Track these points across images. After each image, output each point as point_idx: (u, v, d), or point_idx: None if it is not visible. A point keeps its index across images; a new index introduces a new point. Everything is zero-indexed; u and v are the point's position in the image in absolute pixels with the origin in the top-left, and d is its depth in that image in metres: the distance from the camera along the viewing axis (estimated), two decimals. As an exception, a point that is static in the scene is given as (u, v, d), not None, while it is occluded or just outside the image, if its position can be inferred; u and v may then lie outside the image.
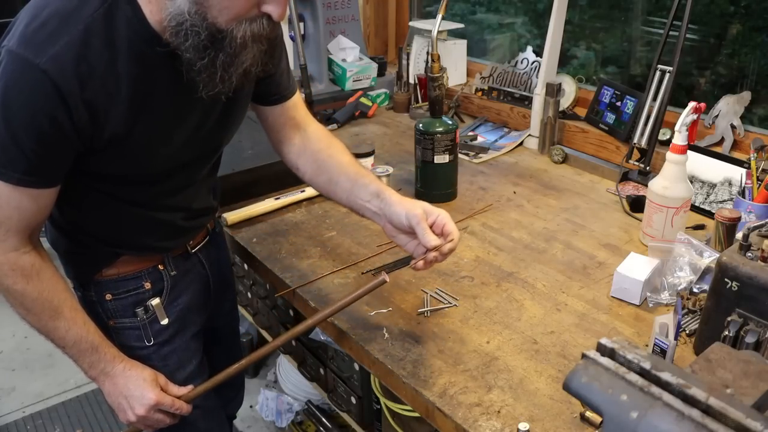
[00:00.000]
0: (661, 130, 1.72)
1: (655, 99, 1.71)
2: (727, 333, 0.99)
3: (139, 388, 1.13)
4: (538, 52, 2.11)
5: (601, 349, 0.61)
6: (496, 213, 1.62)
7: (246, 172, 1.67)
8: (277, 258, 1.43)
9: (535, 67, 2.14)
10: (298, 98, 1.27)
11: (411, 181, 1.76)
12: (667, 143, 1.71)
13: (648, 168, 1.73)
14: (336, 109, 2.27)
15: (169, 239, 1.23)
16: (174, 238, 1.24)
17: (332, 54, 2.40)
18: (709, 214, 1.56)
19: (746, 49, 1.80)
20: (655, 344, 1.03)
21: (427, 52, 2.33)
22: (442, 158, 1.63)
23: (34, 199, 0.98)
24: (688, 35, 1.66)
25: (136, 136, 0.99)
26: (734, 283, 0.99)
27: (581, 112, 2.03)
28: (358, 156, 1.72)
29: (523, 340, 1.15)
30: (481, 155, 1.99)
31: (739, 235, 1.05)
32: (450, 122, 1.63)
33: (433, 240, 1.04)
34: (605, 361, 0.59)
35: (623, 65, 2.17)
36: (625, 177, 1.77)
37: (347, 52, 2.39)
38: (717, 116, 1.70)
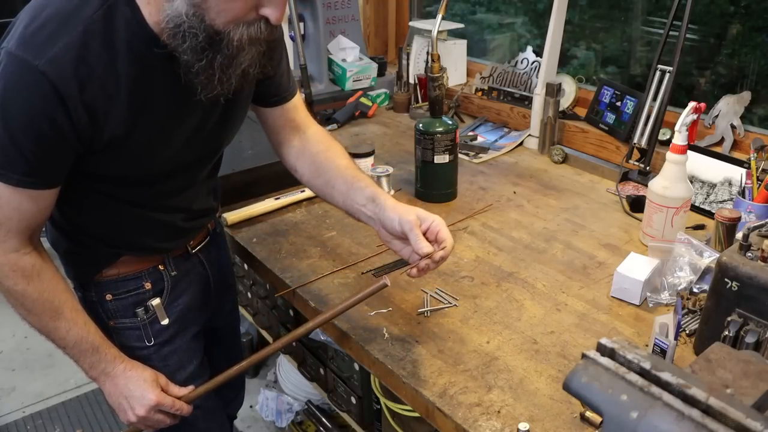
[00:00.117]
0: (661, 130, 1.72)
1: (655, 99, 1.71)
2: (727, 333, 0.99)
3: (139, 388, 1.13)
4: (538, 52, 2.11)
5: (601, 349, 0.61)
6: (496, 213, 1.62)
7: (246, 172, 1.67)
8: (277, 258, 1.43)
9: (535, 67, 2.14)
10: (298, 100, 1.27)
11: (411, 181, 1.77)
12: (667, 143, 1.71)
13: (648, 168, 1.73)
14: (336, 109, 2.27)
15: (170, 240, 1.23)
16: (174, 238, 1.24)
17: (332, 54, 2.40)
18: (709, 214, 1.56)
19: (746, 49, 1.80)
20: (655, 344, 1.03)
21: (427, 52, 2.33)
22: (442, 158, 1.63)
23: (34, 200, 0.98)
24: (688, 35, 1.66)
25: (136, 137, 0.99)
26: (734, 283, 0.99)
27: (581, 112, 2.03)
28: (358, 156, 1.73)
29: (523, 340, 1.15)
30: (481, 155, 1.99)
31: (739, 235, 1.05)
32: (450, 122, 1.63)
33: (425, 247, 1.04)
34: (605, 361, 0.59)
35: (623, 65, 2.17)
36: (625, 177, 1.77)
37: (347, 52, 2.39)
38: (717, 116, 1.70)
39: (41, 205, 1.00)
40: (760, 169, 1.42)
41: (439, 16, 1.60)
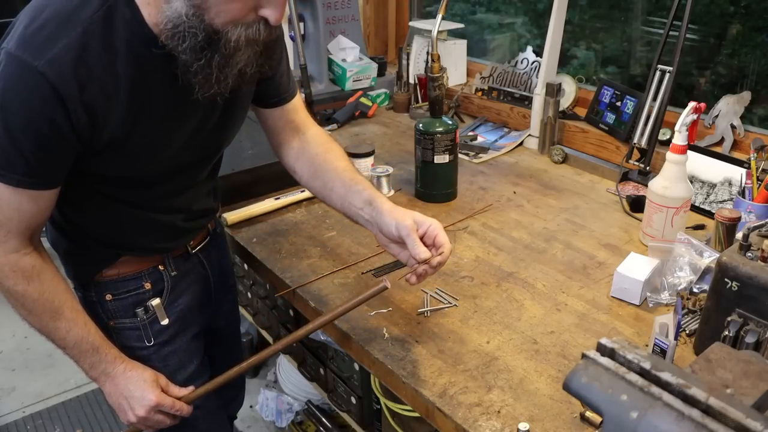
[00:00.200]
0: (661, 130, 1.72)
1: (655, 99, 1.71)
2: (727, 333, 0.99)
3: (139, 389, 1.13)
4: (538, 52, 2.11)
5: (601, 349, 0.61)
6: (496, 213, 1.62)
7: (246, 172, 1.67)
8: (277, 258, 1.43)
9: (535, 67, 2.14)
10: (298, 101, 1.27)
11: (411, 181, 1.77)
12: (667, 143, 1.71)
13: (648, 168, 1.73)
14: (336, 109, 2.27)
15: (170, 240, 1.23)
16: (174, 239, 1.24)
17: (332, 54, 2.40)
18: (709, 214, 1.56)
19: (746, 49, 1.80)
20: (655, 344, 1.03)
21: (427, 52, 2.33)
22: (442, 158, 1.63)
23: (34, 201, 0.98)
24: (688, 35, 1.66)
25: (135, 137, 0.99)
26: (734, 283, 0.99)
27: (581, 112, 2.03)
28: (358, 156, 1.73)
29: (523, 340, 1.15)
30: (481, 155, 1.99)
31: (739, 235, 1.05)
32: (450, 122, 1.63)
33: (422, 253, 1.03)
34: (605, 361, 0.59)
35: (623, 65, 2.18)
36: (625, 177, 1.77)
37: (347, 52, 2.39)
38: (717, 116, 1.70)
39: (41, 205, 1.00)
40: (760, 169, 1.42)
41: (439, 16, 1.60)
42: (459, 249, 1.45)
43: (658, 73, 1.71)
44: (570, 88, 2.05)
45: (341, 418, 1.81)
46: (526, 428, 0.92)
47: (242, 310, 1.91)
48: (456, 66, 2.41)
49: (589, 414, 0.77)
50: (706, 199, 1.59)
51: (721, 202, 1.55)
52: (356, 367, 1.49)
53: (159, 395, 1.15)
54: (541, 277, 1.34)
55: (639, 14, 2.08)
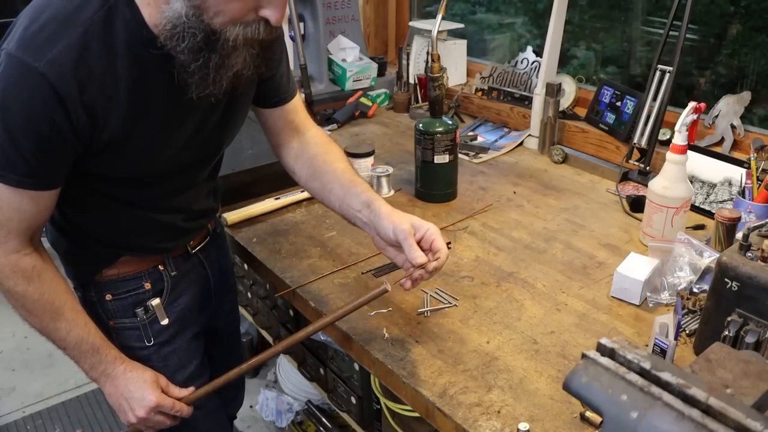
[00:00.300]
0: (661, 130, 1.72)
1: (655, 99, 1.71)
2: (727, 333, 0.99)
3: (139, 389, 1.13)
4: (538, 52, 2.11)
5: (601, 349, 0.61)
6: (496, 213, 1.62)
7: (246, 172, 1.67)
8: (277, 258, 1.43)
9: (535, 67, 2.14)
10: (297, 102, 1.27)
11: (411, 181, 1.77)
12: (667, 143, 1.71)
13: (648, 168, 1.73)
14: (336, 109, 2.27)
15: (170, 240, 1.23)
16: (174, 239, 1.24)
17: (332, 54, 2.40)
18: (709, 214, 1.56)
19: (746, 49, 1.80)
20: (655, 344, 1.03)
21: (427, 52, 2.33)
22: (442, 158, 1.63)
23: (34, 201, 0.98)
24: (688, 35, 1.66)
25: (135, 138, 0.99)
26: (734, 283, 0.99)
27: (581, 112, 2.03)
28: (358, 156, 1.73)
29: (523, 340, 1.15)
30: (481, 155, 1.99)
31: (739, 235, 1.05)
32: (450, 122, 1.63)
33: (419, 257, 1.03)
34: (605, 361, 0.59)
35: (623, 65, 2.18)
36: (625, 177, 1.77)
37: (347, 52, 2.39)
38: (717, 116, 1.70)
39: (41, 206, 1.00)
40: (760, 169, 1.42)
41: (439, 16, 1.60)
42: (459, 249, 1.45)
43: (658, 73, 1.71)
44: (570, 88, 2.05)
45: (341, 418, 1.81)
46: (526, 428, 0.92)
47: (242, 310, 1.91)
48: (456, 66, 2.41)
49: (589, 414, 0.77)
50: (706, 199, 1.59)
51: (721, 202, 1.55)
52: (356, 367, 1.49)
53: (159, 396, 1.15)
54: (541, 277, 1.34)
55: (639, 14, 2.08)
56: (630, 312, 1.22)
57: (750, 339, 0.96)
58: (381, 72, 2.51)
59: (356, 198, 1.14)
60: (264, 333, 1.89)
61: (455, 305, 1.25)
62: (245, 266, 1.80)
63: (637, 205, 1.60)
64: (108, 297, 1.20)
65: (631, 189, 1.72)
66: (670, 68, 1.67)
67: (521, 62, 2.20)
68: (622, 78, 2.16)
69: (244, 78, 0.98)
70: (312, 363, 1.69)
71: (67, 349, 1.09)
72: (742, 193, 1.42)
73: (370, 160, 1.76)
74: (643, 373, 0.57)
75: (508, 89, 2.21)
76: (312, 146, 1.25)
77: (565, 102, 2.04)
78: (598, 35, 2.22)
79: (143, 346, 1.24)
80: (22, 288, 1.03)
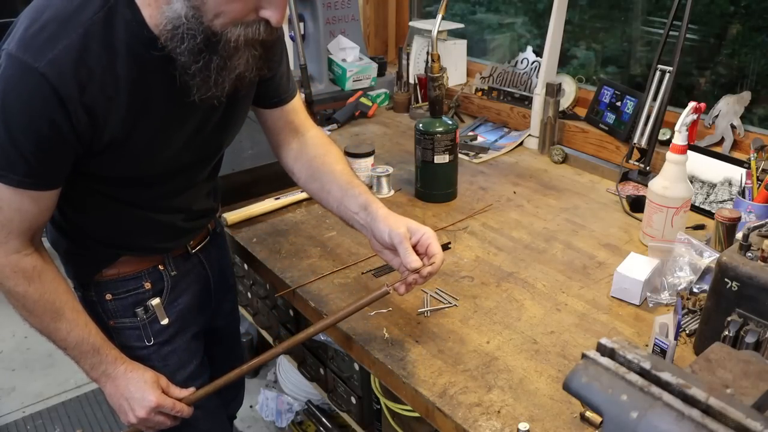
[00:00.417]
0: (661, 130, 1.72)
1: (655, 99, 1.71)
2: (727, 333, 0.99)
3: (140, 390, 1.13)
4: (538, 52, 2.11)
5: (601, 349, 0.61)
6: (496, 213, 1.62)
7: (246, 172, 1.67)
8: (277, 258, 1.43)
9: (535, 67, 2.14)
10: (297, 102, 1.27)
11: (411, 181, 1.77)
12: (667, 143, 1.71)
13: (648, 168, 1.73)
14: (336, 109, 2.27)
15: (170, 240, 1.23)
16: (174, 239, 1.24)
17: (332, 54, 2.40)
18: (709, 214, 1.56)
19: (746, 49, 1.80)
20: (655, 344, 1.03)
21: (427, 52, 2.33)
22: (442, 158, 1.63)
23: (35, 201, 0.98)
24: (688, 35, 1.66)
25: (135, 138, 0.99)
26: (734, 283, 0.99)
27: (581, 112, 2.03)
28: (358, 156, 1.73)
29: (523, 340, 1.15)
30: (481, 155, 1.99)
31: (739, 235, 1.05)
32: (450, 122, 1.63)
33: (414, 262, 1.03)
34: (605, 361, 0.59)
35: (623, 65, 2.18)
36: (625, 177, 1.77)
37: (347, 52, 2.39)
38: (717, 116, 1.70)
39: (42, 206, 1.00)
40: (760, 169, 1.42)
41: (439, 16, 1.60)
42: (459, 249, 1.45)
43: (658, 73, 1.71)
44: (570, 88, 2.05)
45: (341, 418, 1.81)
46: (526, 428, 0.92)
47: (242, 310, 1.91)
48: (456, 66, 2.41)
49: (589, 414, 0.77)
50: (706, 199, 1.59)
51: (721, 202, 1.55)
52: (356, 367, 1.49)
53: (159, 396, 1.15)
54: (541, 277, 1.34)
55: (639, 14, 2.08)
56: (630, 312, 1.23)
57: (750, 339, 0.96)
58: (381, 72, 2.51)
59: (354, 200, 1.14)
60: (264, 333, 1.89)
61: (455, 305, 1.25)
62: (245, 266, 1.80)
63: (637, 205, 1.60)
64: (108, 297, 1.20)
65: (631, 189, 1.72)
66: (670, 68, 1.67)
67: (521, 62, 2.20)
68: (622, 78, 2.16)
69: (247, 80, 0.98)
70: (312, 363, 1.69)
71: (67, 349, 1.10)
72: (742, 193, 1.42)
73: (370, 160, 1.76)
74: (643, 373, 0.57)
75: (508, 89, 2.21)
76: (311, 147, 1.25)
77: (565, 102, 2.04)
78: (598, 35, 2.22)
79: (143, 345, 1.24)
80: (22, 288, 1.03)
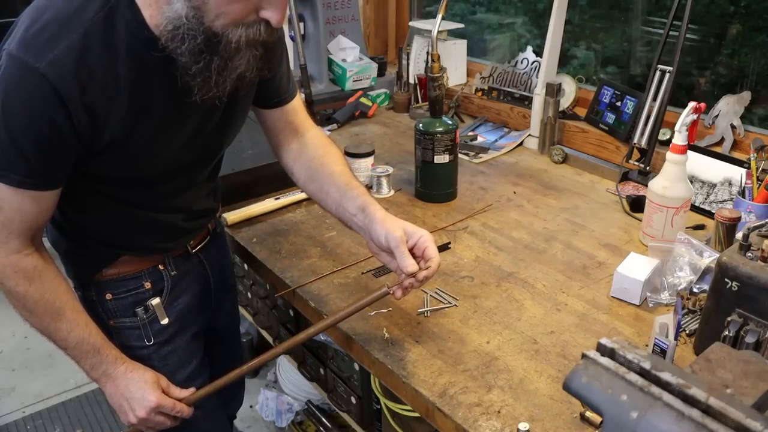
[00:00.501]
0: (661, 130, 1.72)
1: (655, 99, 1.71)
2: (727, 333, 0.99)
3: (140, 390, 1.13)
4: (538, 52, 2.11)
5: (601, 349, 0.61)
6: (496, 213, 1.62)
7: (246, 172, 1.67)
8: (277, 258, 1.43)
9: (535, 67, 2.14)
10: (297, 102, 1.27)
11: (411, 181, 1.77)
12: (667, 143, 1.71)
13: (648, 168, 1.73)
14: (336, 109, 2.27)
15: (170, 240, 1.23)
16: (174, 238, 1.24)
17: (332, 54, 2.40)
18: (709, 214, 1.56)
19: (746, 49, 1.80)
20: (655, 344, 1.03)
21: (427, 52, 2.33)
22: (442, 158, 1.63)
23: (35, 202, 0.98)
24: (688, 35, 1.66)
25: (135, 139, 1.00)
26: (734, 283, 0.99)
27: (581, 112, 2.03)
28: (358, 156, 1.73)
29: (523, 340, 1.15)
30: (481, 155, 1.99)
31: (739, 235, 1.05)
32: (450, 122, 1.63)
33: (410, 266, 1.03)
34: (605, 361, 0.59)
35: (623, 65, 2.18)
36: (625, 177, 1.77)
37: (347, 52, 2.39)
38: (717, 116, 1.70)
39: (43, 206, 1.00)
40: (760, 169, 1.42)
41: (439, 16, 1.60)
42: (459, 249, 1.45)
43: (658, 73, 1.71)
44: (570, 88, 2.05)
45: (341, 418, 1.81)
46: (526, 428, 0.92)
47: (242, 310, 1.91)
48: (456, 66, 2.41)
49: (589, 414, 0.77)
50: (706, 199, 1.59)
51: (721, 202, 1.55)
52: (356, 367, 1.49)
53: (159, 396, 1.15)
54: (541, 277, 1.34)
55: (639, 14, 2.08)
56: (630, 312, 1.23)
57: (750, 339, 0.96)
58: (381, 72, 2.51)
59: (352, 202, 1.14)
60: (264, 333, 1.89)
61: (455, 305, 1.25)
62: (245, 266, 1.80)
63: (637, 205, 1.60)
64: (108, 296, 1.20)
65: (631, 189, 1.72)
66: (670, 68, 1.67)
67: (521, 62, 2.20)
68: (622, 78, 2.16)
69: (248, 80, 0.98)
70: (312, 363, 1.69)
71: (68, 349, 1.10)
72: (742, 193, 1.42)
73: (370, 160, 1.76)
74: (643, 373, 0.57)
75: (508, 89, 2.21)
76: (311, 148, 1.25)
77: (565, 102, 2.04)
78: (598, 35, 2.22)
79: (143, 345, 1.24)
80: (23, 288, 1.03)
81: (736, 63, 1.83)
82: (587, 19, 2.24)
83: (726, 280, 1.00)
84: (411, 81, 2.40)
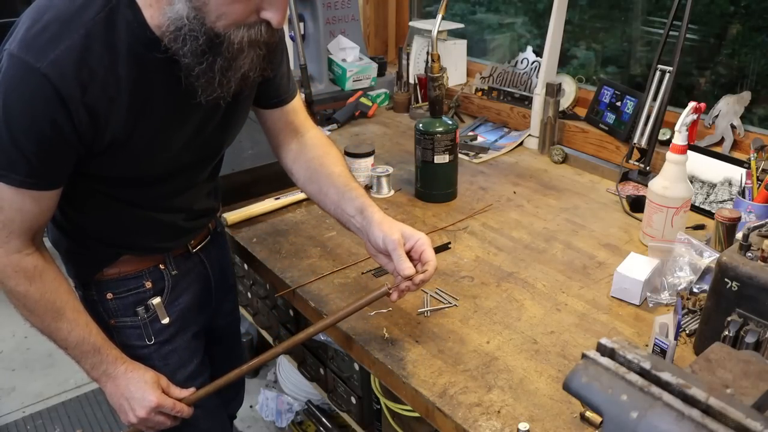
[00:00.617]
0: (661, 130, 1.72)
1: (655, 99, 1.71)
2: (727, 333, 0.99)
3: (140, 389, 1.13)
4: (538, 52, 2.11)
5: (601, 349, 0.61)
6: (496, 213, 1.62)
7: (246, 172, 1.67)
8: (277, 258, 1.43)
9: (535, 67, 2.14)
10: (297, 103, 1.27)
11: (411, 181, 1.77)
12: (667, 143, 1.71)
13: (648, 168, 1.73)
14: (336, 109, 2.28)
15: (170, 240, 1.23)
16: (175, 238, 1.24)
17: (332, 54, 2.40)
18: (709, 214, 1.56)
19: (746, 49, 1.80)
20: (655, 344, 1.03)
21: (427, 52, 2.33)
22: (442, 158, 1.63)
23: (36, 201, 0.98)
24: (688, 35, 1.66)
25: (136, 139, 1.00)
26: (734, 283, 0.99)
27: (581, 112, 2.03)
28: (358, 156, 1.73)
29: (523, 340, 1.15)
30: (481, 155, 1.99)
31: (739, 235, 1.05)
32: (450, 122, 1.64)
33: (407, 269, 1.03)
34: (605, 361, 0.59)
35: (623, 65, 2.18)
36: (625, 177, 1.77)
37: (347, 52, 2.39)
38: (717, 116, 1.71)
39: (43, 206, 1.00)
40: (760, 169, 1.42)
41: (439, 16, 1.60)
42: (459, 249, 1.45)
43: (658, 73, 1.71)
44: (570, 88, 2.05)
45: (341, 418, 1.81)
46: (526, 428, 0.92)
47: (242, 310, 1.91)
48: (456, 66, 2.41)
49: (589, 414, 0.78)
50: (706, 199, 1.59)
51: (721, 202, 1.55)
52: (356, 367, 1.49)
53: (160, 396, 1.15)
54: (541, 277, 1.34)
55: (639, 14, 2.08)
56: (630, 312, 1.23)
57: (750, 339, 0.96)
58: (381, 72, 2.51)
59: (350, 203, 1.14)
60: (264, 333, 1.89)
61: (455, 305, 1.25)
62: (245, 266, 1.80)
63: (637, 205, 1.60)
64: (109, 296, 1.20)
65: (631, 189, 1.72)
66: (670, 68, 1.67)
67: (521, 62, 2.20)
68: (622, 78, 2.16)
69: (251, 80, 0.98)
70: (312, 363, 1.69)
71: (68, 349, 1.10)
72: (742, 193, 1.42)
73: (370, 160, 1.76)
74: (643, 373, 0.57)
75: (508, 89, 2.21)
76: (310, 148, 1.25)
77: (565, 102, 2.04)
78: (598, 35, 2.22)
79: (144, 344, 1.24)
80: (23, 288, 1.03)
81: (736, 63, 1.83)
82: (587, 19, 2.24)
83: (726, 280, 1.00)
84: (411, 81, 2.40)
